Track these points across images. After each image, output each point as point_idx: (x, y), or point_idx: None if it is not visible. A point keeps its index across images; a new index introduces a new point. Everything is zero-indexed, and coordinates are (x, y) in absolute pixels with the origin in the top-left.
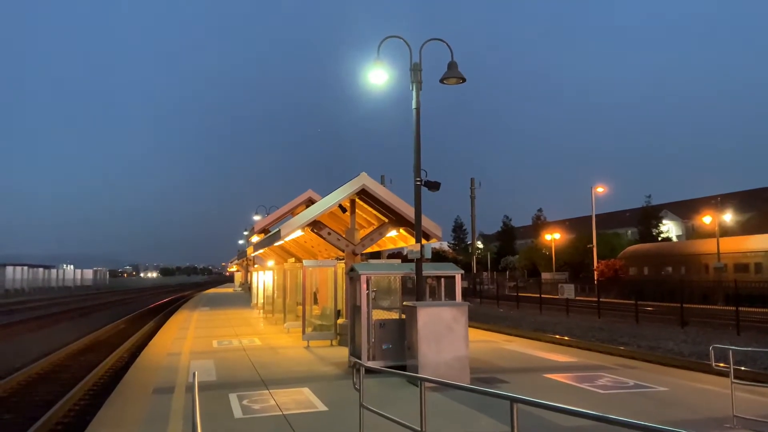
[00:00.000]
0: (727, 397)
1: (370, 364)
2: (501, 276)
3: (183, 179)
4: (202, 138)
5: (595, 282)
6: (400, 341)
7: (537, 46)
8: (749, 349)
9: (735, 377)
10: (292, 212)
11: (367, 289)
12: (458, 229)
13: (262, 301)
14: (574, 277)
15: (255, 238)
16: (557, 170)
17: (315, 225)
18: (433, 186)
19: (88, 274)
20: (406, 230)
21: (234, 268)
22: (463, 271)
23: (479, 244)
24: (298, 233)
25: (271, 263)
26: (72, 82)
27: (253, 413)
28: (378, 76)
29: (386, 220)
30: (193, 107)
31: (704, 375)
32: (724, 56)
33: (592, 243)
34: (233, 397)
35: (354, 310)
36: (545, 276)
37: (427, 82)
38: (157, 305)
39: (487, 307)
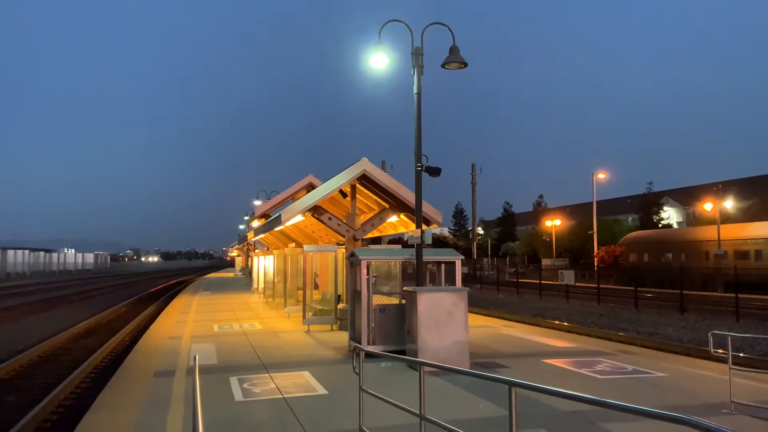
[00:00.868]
0: (725, 383)
1: (370, 348)
2: (501, 262)
3: (184, 164)
4: (203, 124)
5: (595, 268)
6: (400, 326)
7: (540, 32)
8: (748, 335)
9: (733, 363)
10: (293, 197)
11: (368, 274)
12: (459, 215)
13: (262, 285)
14: (574, 264)
15: (256, 223)
16: (558, 157)
17: (316, 210)
18: (434, 172)
19: (89, 258)
20: (406, 216)
21: (235, 253)
22: (463, 257)
23: (480, 230)
24: (299, 218)
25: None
26: (74, 68)
27: (253, 396)
28: (379, 61)
29: (387, 206)
30: (195, 94)
31: (703, 361)
32: (726, 44)
33: (592, 229)
34: (234, 381)
35: (354, 295)
36: (545, 262)
37: (429, 67)
38: (157, 289)
39: (487, 292)
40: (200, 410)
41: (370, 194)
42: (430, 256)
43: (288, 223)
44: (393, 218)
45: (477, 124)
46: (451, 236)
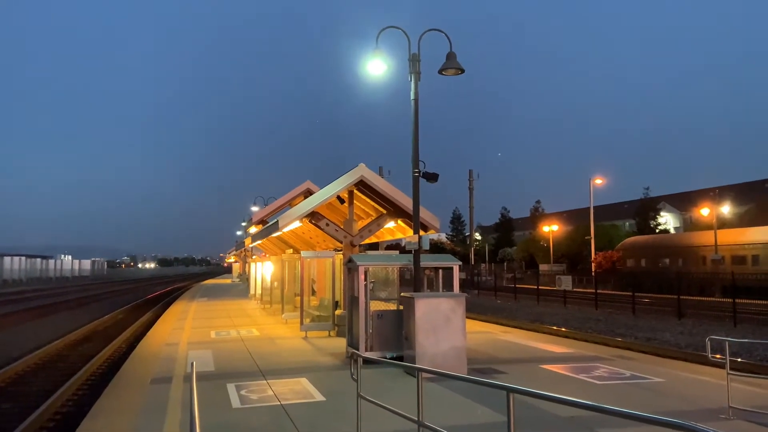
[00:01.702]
0: (723, 388)
1: (368, 354)
2: (499, 267)
3: (181, 170)
4: (200, 129)
5: (593, 273)
6: (397, 332)
7: (536, 38)
8: (745, 340)
9: (731, 368)
10: (290, 203)
11: (365, 280)
12: (456, 221)
13: (260, 292)
14: (571, 269)
15: (253, 229)
16: (555, 162)
17: (313, 216)
18: (432, 177)
19: (86, 264)
20: (404, 221)
21: (232, 259)
22: (460, 263)
23: (477, 236)
24: (296, 224)
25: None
26: (70, 73)
27: (250, 403)
28: (377, 67)
29: (384, 212)
30: (192, 98)
31: (700, 366)
32: (722, 49)
33: (589, 235)
34: (231, 387)
35: (352, 301)
36: (543, 267)
37: (426, 73)
38: (154, 296)
39: (485, 298)
40: (197, 417)
41: (368, 200)
42: (427, 261)
43: (285, 229)
44: (390, 224)
45: (474, 129)
46: (448, 242)
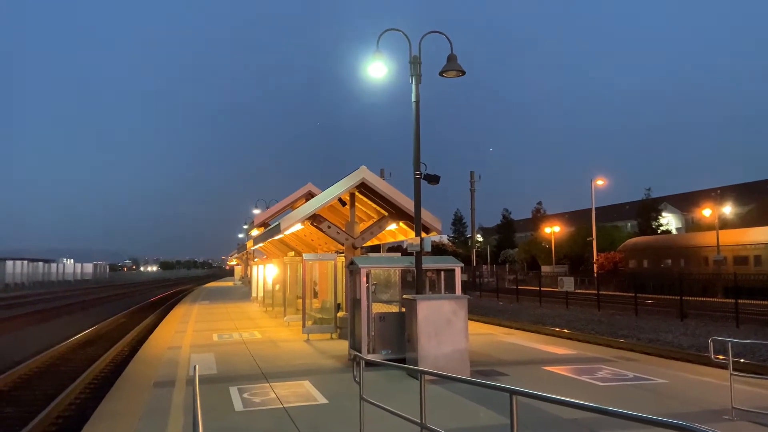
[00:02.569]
0: (726, 389)
1: (370, 357)
2: (501, 269)
3: (183, 173)
4: (201, 132)
5: (595, 275)
6: (400, 334)
7: (538, 40)
8: (748, 341)
9: (734, 369)
10: (292, 206)
11: (367, 282)
12: (458, 223)
13: (262, 294)
14: (573, 270)
15: (255, 232)
16: (557, 163)
17: (315, 218)
18: (433, 179)
19: (88, 268)
20: (405, 223)
21: (234, 262)
22: (462, 264)
23: (479, 237)
24: (298, 227)
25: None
26: (71, 75)
27: (253, 406)
28: (377, 69)
29: (386, 214)
30: (192, 102)
31: (703, 367)
32: (724, 49)
33: (591, 236)
34: (234, 391)
35: (354, 303)
36: (545, 269)
37: (427, 75)
38: (157, 299)
39: (487, 300)
40: (200, 420)
41: (369, 202)
42: (429, 263)
43: (287, 232)
44: (392, 226)
45: (475, 131)
46: (450, 243)
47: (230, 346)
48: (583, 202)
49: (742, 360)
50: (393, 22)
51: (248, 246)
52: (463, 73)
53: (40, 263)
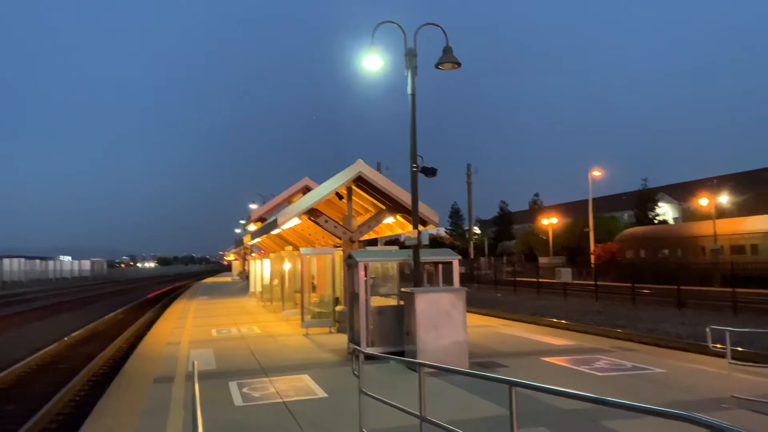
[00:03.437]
0: (724, 378)
1: (369, 350)
2: (498, 261)
3: (179, 169)
4: (197, 127)
5: (592, 265)
6: (398, 327)
7: (533, 31)
8: (746, 330)
9: (732, 358)
10: (288, 200)
11: (365, 276)
12: (455, 215)
13: (260, 289)
14: (571, 261)
15: (252, 227)
16: (554, 155)
17: (312, 213)
18: (430, 172)
19: (86, 265)
20: (403, 217)
21: (232, 257)
22: (460, 257)
23: (476, 230)
24: (295, 221)
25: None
26: (67, 74)
27: (253, 401)
28: (373, 62)
29: (383, 207)
30: (189, 97)
31: (702, 356)
32: (719, 38)
33: (588, 227)
34: (233, 385)
35: (352, 297)
36: (542, 260)
37: (423, 67)
38: (155, 295)
39: (485, 292)
40: (200, 416)
41: (367, 196)
42: (427, 256)
43: (284, 227)
44: (389, 219)
45: (472, 123)
46: (447, 236)
47: (229, 341)
48: (580, 193)
49: (740, 349)
50: (391, 14)
51: (246, 241)
52: (459, 65)
53: (38, 261)
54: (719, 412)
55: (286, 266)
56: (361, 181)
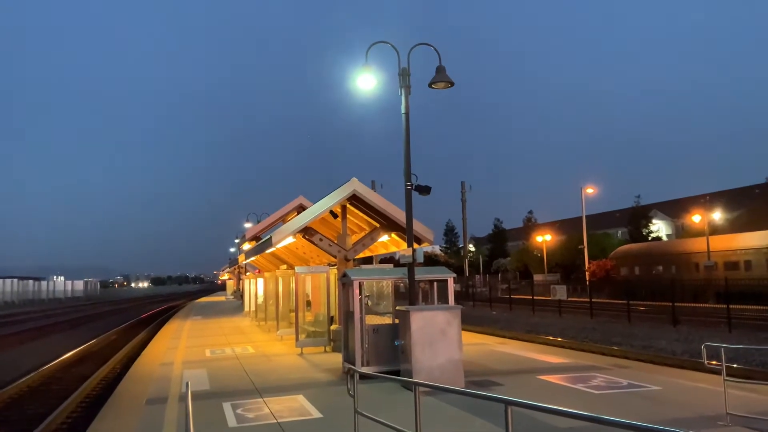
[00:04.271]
0: (720, 395)
1: (364, 369)
2: (493, 278)
3: (173, 188)
4: (191, 147)
5: (587, 282)
6: (393, 346)
7: (525, 50)
8: (741, 346)
9: (727, 375)
10: (283, 219)
11: (360, 294)
12: (450, 233)
13: (254, 308)
14: (565, 278)
15: (246, 246)
16: (547, 172)
17: (306, 231)
18: (424, 190)
19: (79, 285)
20: (397, 235)
21: (226, 276)
22: (455, 275)
23: (471, 247)
24: (290, 240)
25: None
26: (60, 92)
27: (247, 422)
28: (367, 82)
29: (378, 225)
30: (182, 117)
31: (697, 373)
32: (710, 57)
33: (582, 244)
34: (227, 406)
35: (347, 315)
36: (537, 277)
37: (417, 86)
38: (148, 315)
39: (480, 309)
40: None
41: (361, 214)
42: (422, 274)
43: (279, 245)
44: (384, 237)
45: (466, 141)
46: (442, 254)
47: (223, 362)
48: (574, 210)
49: (735, 365)
50: (384, 33)
51: (240, 260)
52: (452, 84)
53: (30, 281)
54: (715, 430)
55: (281, 285)
56: (355, 200)
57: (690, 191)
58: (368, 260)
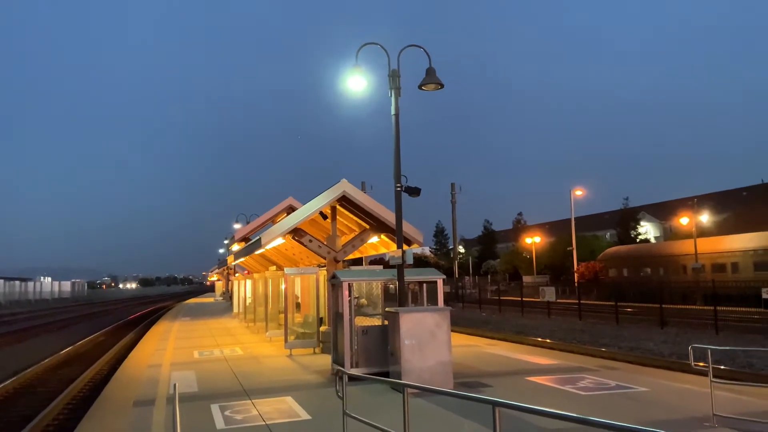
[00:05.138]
0: (706, 396)
1: (354, 371)
2: (483, 280)
3: (161, 189)
4: (180, 147)
5: (576, 284)
6: (383, 347)
7: (513, 54)
8: (727, 348)
9: (714, 376)
10: (272, 220)
11: (349, 295)
12: (440, 234)
13: (243, 310)
14: (554, 280)
15: (236, 247)
16: (537, 174)
17: (296, 233)
18: (414, 192)
19: (66, 286)
20: (387, 236)
21: (215, 278)
22: (444, 276)
23: (461, 249)
24: (279, 241)
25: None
26: (50, 94)
27: (235, 424)
28: (357, 83)
29: (367, 227)
30: (171, 118)
31: (684, 374)
32: (696, 61)
33: (571, 246)
34: (215, 408)
35: (336, 317)
36: (526, 279)
37: (407, 88)
38: (136, 316)
39: (470, 311)
40: None
41: (351, 215)
42: (411, 276)
43: (268, 246)
44: (374, 239)
45: (456, 142)
46: (432, 255)
47: (211, 363)
48: (563, 212)
49: (722, 366)
50: (374, 35)
51: (229, 261)
52: (442, 86)
53: (17, 282)
54: (702, 431)
55: (270, 286)
56: (345, 201)
57: (678, 194)
58: (358, 262)
